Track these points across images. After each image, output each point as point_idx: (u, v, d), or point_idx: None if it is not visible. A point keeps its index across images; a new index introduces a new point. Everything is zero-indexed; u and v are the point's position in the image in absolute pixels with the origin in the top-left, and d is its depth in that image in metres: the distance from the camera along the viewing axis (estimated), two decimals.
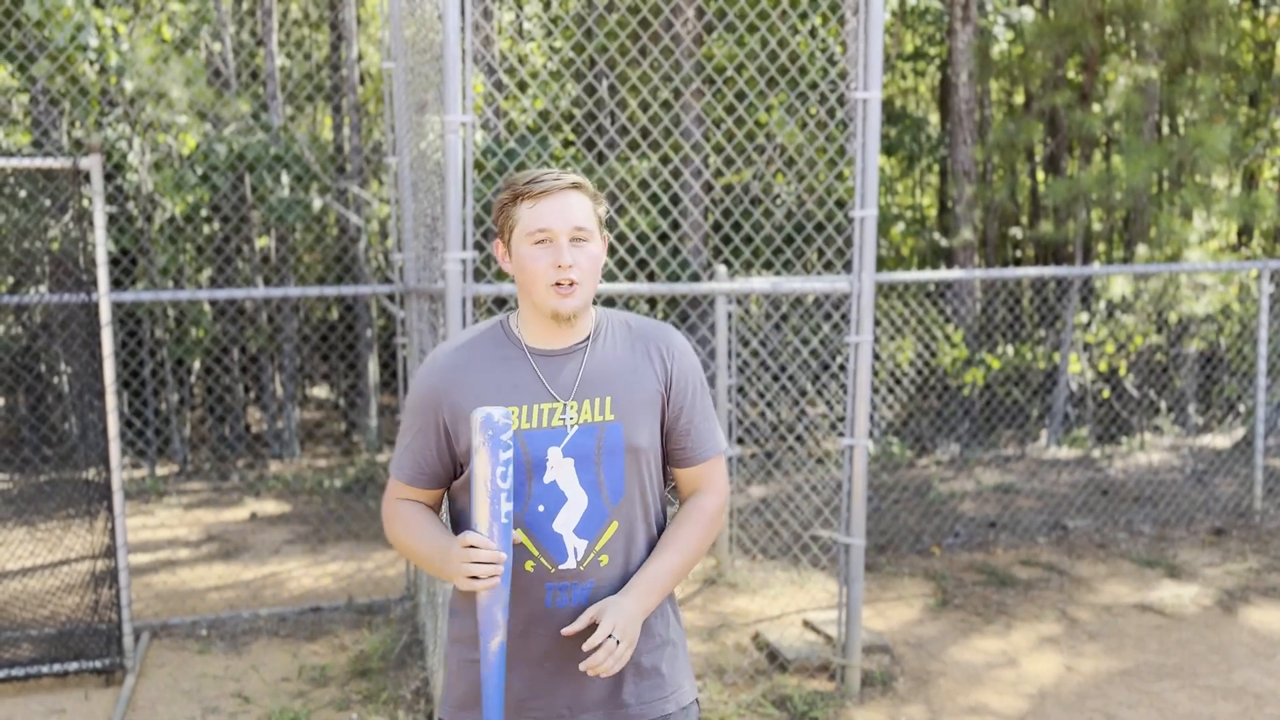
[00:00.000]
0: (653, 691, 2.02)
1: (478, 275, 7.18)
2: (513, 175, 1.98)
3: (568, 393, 1.95)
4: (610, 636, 1.84)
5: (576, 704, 1.98)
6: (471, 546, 1.81)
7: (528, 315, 1.99)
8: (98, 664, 4.49)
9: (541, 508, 1.92)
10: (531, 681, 1.97)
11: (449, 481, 2.04)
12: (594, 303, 2.03)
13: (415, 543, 1.98)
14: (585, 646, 1.84)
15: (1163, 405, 10.26)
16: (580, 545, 1.93)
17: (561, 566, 1.93)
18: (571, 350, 1.99)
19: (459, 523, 2.06)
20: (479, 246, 6.87)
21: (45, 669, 4.43)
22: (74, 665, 4.47)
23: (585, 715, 1.98)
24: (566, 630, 1.89)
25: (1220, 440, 9.78)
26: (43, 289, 8.06)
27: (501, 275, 6.89)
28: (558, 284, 1.90)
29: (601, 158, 8.27)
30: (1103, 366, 9.81)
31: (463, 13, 3.69)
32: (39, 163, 4.31)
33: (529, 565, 1.93)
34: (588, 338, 2.01)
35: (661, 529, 2.08)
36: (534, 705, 1.98)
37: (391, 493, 2.07)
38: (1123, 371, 9.96)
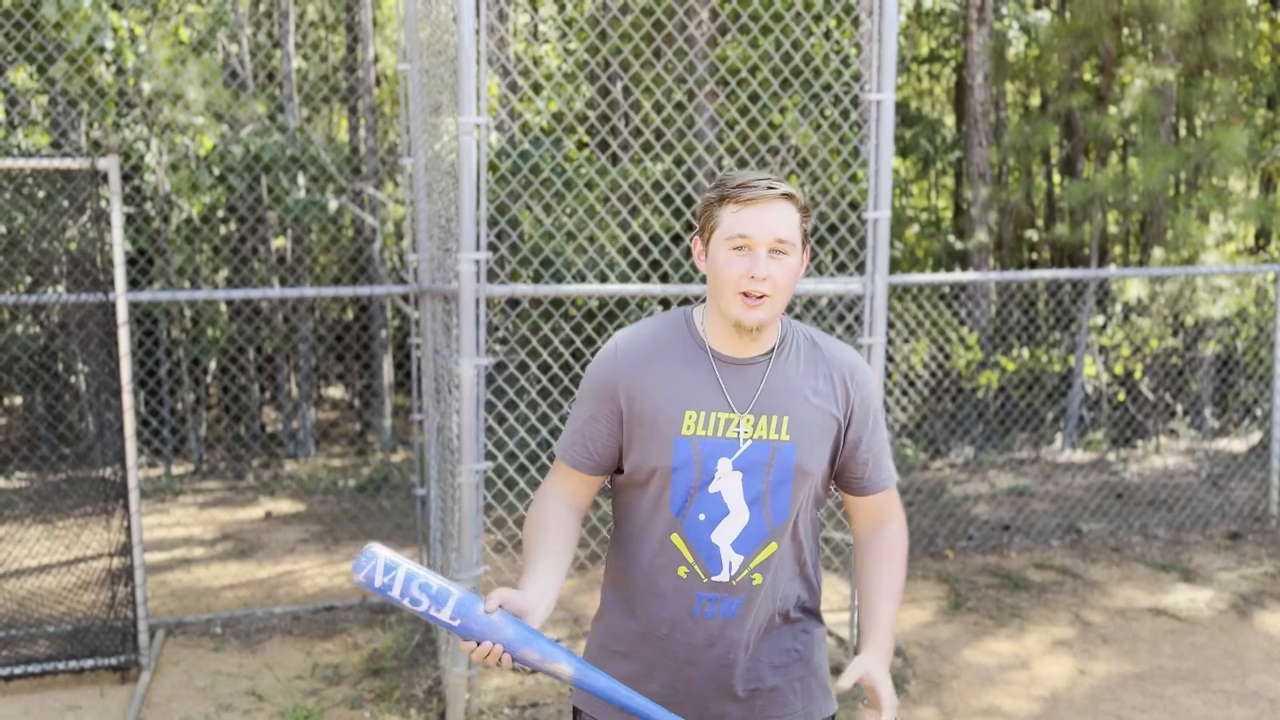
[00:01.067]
0: (781, 708, 2.01)
1: (491, 276, 7.19)
2: (726, 173, 1.93)
3: (746, 405, 1.91)
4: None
5: (707, 713, 1.98)
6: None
7: (714, 318, 1.94)
8: (113, 661, 4.52)
9: (702, 516, 1.90)
10: (671, 683, 1.98)
11: (611, 469, 2.02)
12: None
13: (525, 556, 1.96)
14: None
15: (1179, 409, 10.20)
16: (736, 560, 1.91)
17: (715, 578, 1.91)
18: (755, 361, 1.94)
19: (621, 520, 2.04)
20: (493, 247, 6.89)
21: (61, 666, 4.46)
22: (90, 662, 4.50)
23: None
24: (842, 684, 1.85)
25: (1236, 444, 9.72)
26: (60, 289, 8.13)
27: (515, 276, 6.91)
28: (746, 294, 1.85)
29: (615, 159, 8.29)
30: (1118, 369, 9.77)
31: (478, 15, 3.71)
32: (57, 163, 4.35)
33: (682, 571, 1.92)
34: (772, 349, 1.95)
35: (812, 553, 2.06)
36: (670, 706, 1.99)
37: (552, 475, 2.04)
38: (1138, 375, 9.91)
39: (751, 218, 1.84)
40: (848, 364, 1.99)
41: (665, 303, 8.41)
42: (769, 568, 1.93)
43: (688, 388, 1.91)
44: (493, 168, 6.46)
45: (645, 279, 7.40)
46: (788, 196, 1.87)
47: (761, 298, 1.85)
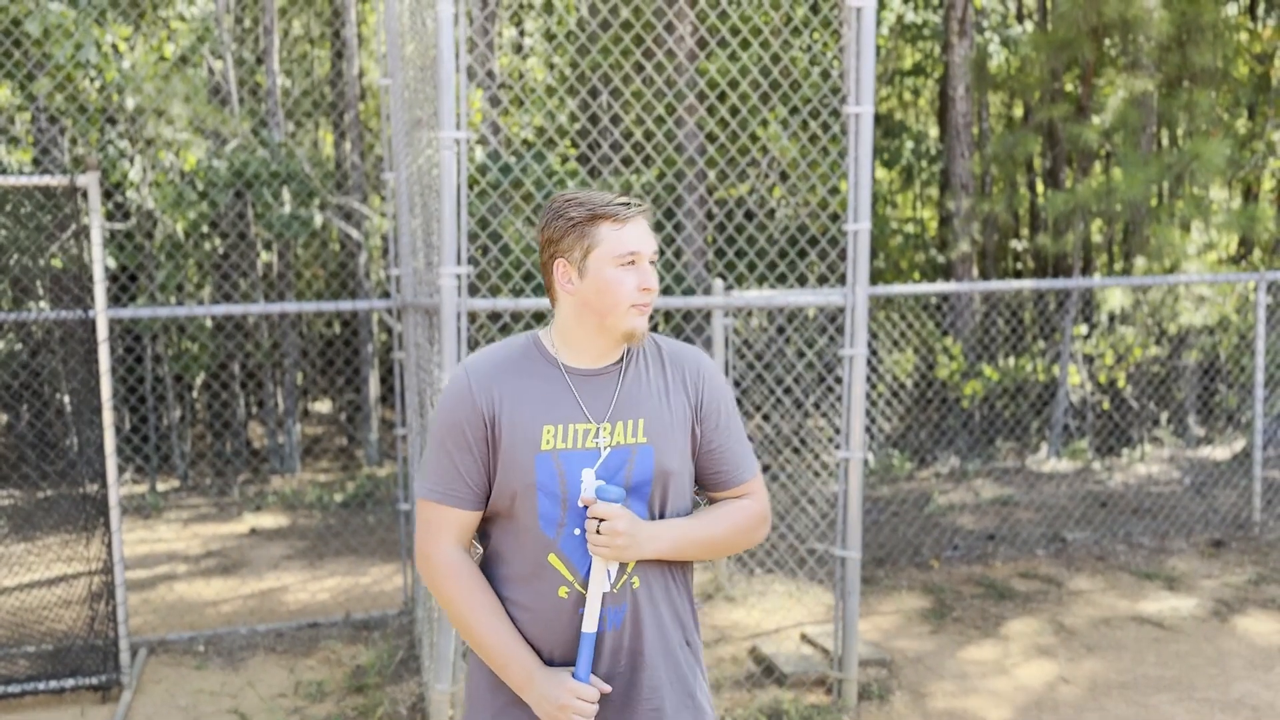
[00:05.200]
0: None
1: (473, 290, 7.17)
2: (572, 194, 1.96)
3: (603, 415, 1.93)
4: (599, 519, 1.86)
5: None
6: (582, 699, 1.85)
7: (576, 335, 1.96)
8: (94, 680, 4.49)
9: (577, 531, 1.90)
10: None
11: (486, 502, 1.97)
12: None
13: (482, 632, 1.92)
14: (588, 521, 1.88)
15: (1162, 417, 10.25)
16: (613, 568, 1.91)
17: None
18: (607, 370, 1.98)
19: (491, 557, 2.01)
20: (474, 261, 6.89)
21: (41, 685, 4.43)
22: (70, 682, 4.47)
23: None
24: (582, 499, 1.89)
25: (1219, 451, 9.77)
26: (43, 305, 8.08)
27: (496, 291, 6.90)
28: (636, 305, 1.92)
29: (595, 172, 8.30)
30: (1102, 378, 9.81)
31: (457, 28, 3.71)
32: (36, 180, 4.34)
33: (563, 591, 1.90)
34: (621, 358, 2.00)
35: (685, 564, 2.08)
36: None
37: (432, 530, 1.95)
38: (1122, 383, 9.96)
39: (635, 234, 1.93)
40: (692, 361, 2.05)
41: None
42: (646, 571, 1.95)
43: (543, 404, 1.93)
44: (474, 182, 6.46)
45: None
46: (645, 213, 1.98)
47: (647, 306, 1.94)
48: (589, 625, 1.89)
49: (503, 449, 1.91)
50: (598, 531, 1.86)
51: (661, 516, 1.98)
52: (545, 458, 1.89)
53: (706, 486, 2.08)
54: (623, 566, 1.93)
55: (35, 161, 8.75)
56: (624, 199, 1.95)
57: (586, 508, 1.90)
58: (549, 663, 1.93)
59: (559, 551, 1.90)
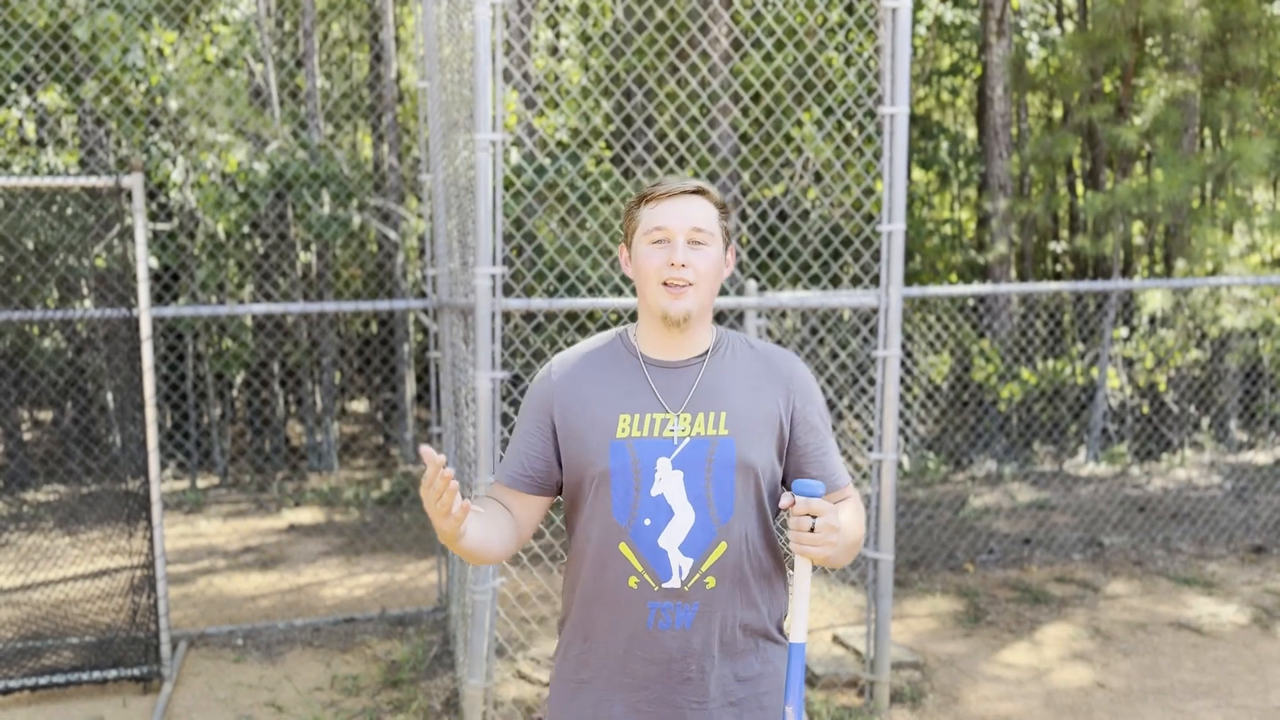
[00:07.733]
0: None
1: (507, 290, 7.24)
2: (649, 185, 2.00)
3: (680, 404, 1.91)
4: (810, 515, 1.75)
5: None
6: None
7: (645, 324, 1.98)
8: (136, 672, 4.58)
9: (648, 521, 1.86)
10: (634, 705, 1.91)
11: (552, 490, 2.01)
12: (710, 320, 1.99)
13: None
14: (792, 520, 1.76)
15: (1203, 421, 10.11)
16: (685, 563, 1.86)
17: (665, 584, 1.87)
18: (688, 363, 1.96)
19: (571, 544, 2.01)
20: (508, 262, 6.94)
21: (85, 676, 4.52)
22: (113, 673, 4.56)
23: None
24: (782, 503, 1.81)
25: (1261, 456, 9.62)
26: (87, 304, 8.25)
27: (530, 291, 6.95)
28: (668, 284, 1.88)
29: (629, 173, 8.33)
30: (1142, 381, 9.70)
31: (494, 30, 3.75)
32: (82, 181, 4.43)
33: (632, 581, 1.88)
34: (706, 351, 1.97)
35: (775, 558, 2.00)
36: None
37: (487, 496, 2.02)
38: (1162, 387, 9.84)
39: (667, 210, 1.90)
40: (788, 365, 2.01)
41: None
42: (722, 571, 1.89)
43: (620, 393, 1.93)
44: (509, 183, 6.52)
45: None
46: (701, 192, 1.93)
47: (684, 286, 1.88)
48: (798, 635, 1.77)
49: (578, 437, 1.92)
50: (811, 530, 1.75)
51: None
52: (620, 446, 1.89)
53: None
54: (697, 564, 1.87)
55: (81, 163, 8.92)
56: (669, 179, 1.95)
57: (660, 496, 1.87)
58: (622, 653, 1.90)
59: (629, 540, 1.87)
